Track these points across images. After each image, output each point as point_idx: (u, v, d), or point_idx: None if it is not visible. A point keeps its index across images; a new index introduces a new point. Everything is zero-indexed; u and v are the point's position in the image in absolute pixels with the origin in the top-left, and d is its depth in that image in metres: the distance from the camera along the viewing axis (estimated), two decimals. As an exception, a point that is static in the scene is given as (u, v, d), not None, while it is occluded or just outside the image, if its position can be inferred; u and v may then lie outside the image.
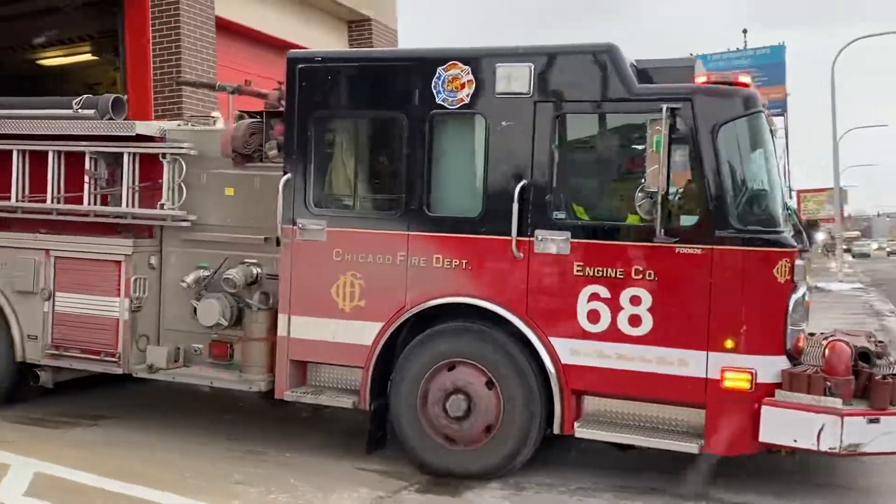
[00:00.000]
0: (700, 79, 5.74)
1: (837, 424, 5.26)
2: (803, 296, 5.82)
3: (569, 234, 5.78)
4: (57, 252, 7.29)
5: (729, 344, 5.47)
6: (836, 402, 5.32)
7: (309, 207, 6.48)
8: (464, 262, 6.05)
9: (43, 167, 7.43)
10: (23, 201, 7.48)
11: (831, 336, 6.08)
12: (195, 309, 7.01)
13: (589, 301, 5.75)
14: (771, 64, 34.15)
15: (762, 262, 5.48)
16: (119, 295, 7.06)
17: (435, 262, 6.13)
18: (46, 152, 7.32)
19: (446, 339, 6.19)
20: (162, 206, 6.97)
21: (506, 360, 5.97)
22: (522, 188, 5.82)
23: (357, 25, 15.84)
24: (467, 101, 6.03)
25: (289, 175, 6.48)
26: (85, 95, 7.39)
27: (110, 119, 7.25)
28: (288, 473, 6.19)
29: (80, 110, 7.28)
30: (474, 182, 6.15)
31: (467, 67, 6.03)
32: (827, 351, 5.63)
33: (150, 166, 7.20)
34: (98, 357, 7.15)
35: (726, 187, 5.50)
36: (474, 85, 6.01)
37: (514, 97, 5.91)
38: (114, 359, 7.08)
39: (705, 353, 5.52)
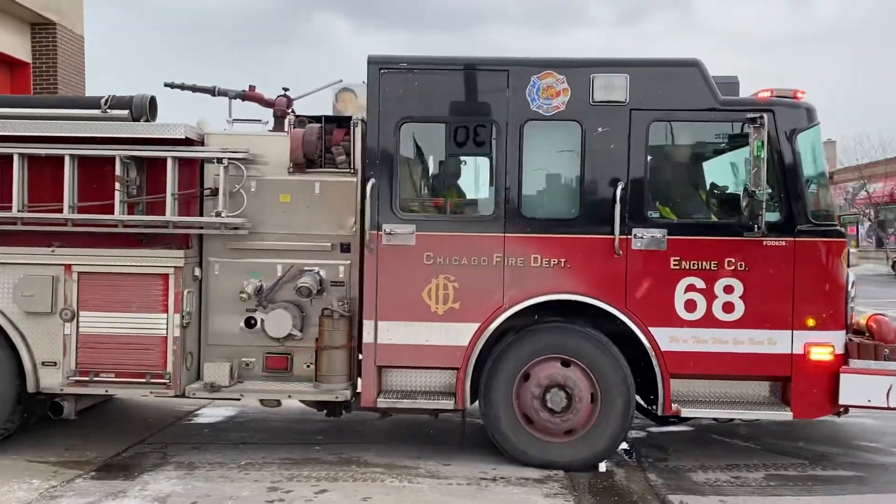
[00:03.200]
0: (763, 93, 6.62)
1: (902, 384, 6.38)
2: (852, 279, 6.91)
3: (665, 231, 6.42)
4: (82, 267, 6.66)
5: (811, 322, 6.41)
6: (898, 366, 6.45)
7: (396, 212, 6.55)
8: (562, 260, 6.48)
9: (51, 173, 6.74)
10: (26, 211, 6.71)
11: (863, 312, 7.24)
12: (249, 321, 6.80)
13: (686, 292, 6.44)
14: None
15: (833, 251, 6.50)
16: (166, 311, 6.62)
17: (533, 261, 6.50)
18: (61, 157, 6.63)
19: (545, 336, 6.57)
20: (219, 214, 6.62)
21: (603, 356, 6.48)
22: (621, 189, 6.36)
23: (41, 28, 15.51)
24: (563, 108, 6.48)
25: (372, 180, 6.49)
26: (110, 94, 6.79)
27: (147, 121, 6.74)
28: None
29: (109, 110, 6.69)
30: (570, 185, 6.61)
31: (562, 76, 6.47)
32: (871, 324, 6.77)
33: (187, 172, 6.81)
34: (142, 380, 6.65)
35: (803, 187, 6.44)
36: (570, 93, 6.46)
37: (610, 105, 6.44)
38: (163, 380, 6.64)
39: (790, 331, 6.42)
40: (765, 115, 6.25)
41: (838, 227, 6.65)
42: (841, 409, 6.64)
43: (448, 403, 6.57)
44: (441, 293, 6.55)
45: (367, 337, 6.59)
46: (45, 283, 6.65)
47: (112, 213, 6.70)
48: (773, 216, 6.43)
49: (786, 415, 6.43)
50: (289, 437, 7.62)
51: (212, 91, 7.74)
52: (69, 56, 15.65)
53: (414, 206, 6.73)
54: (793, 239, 6.41)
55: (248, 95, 7.68)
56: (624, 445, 7.22)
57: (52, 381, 6.69)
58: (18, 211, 6.68)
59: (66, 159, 6.64)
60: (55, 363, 6.68)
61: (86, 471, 6.50)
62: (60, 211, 6.68)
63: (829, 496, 6.10)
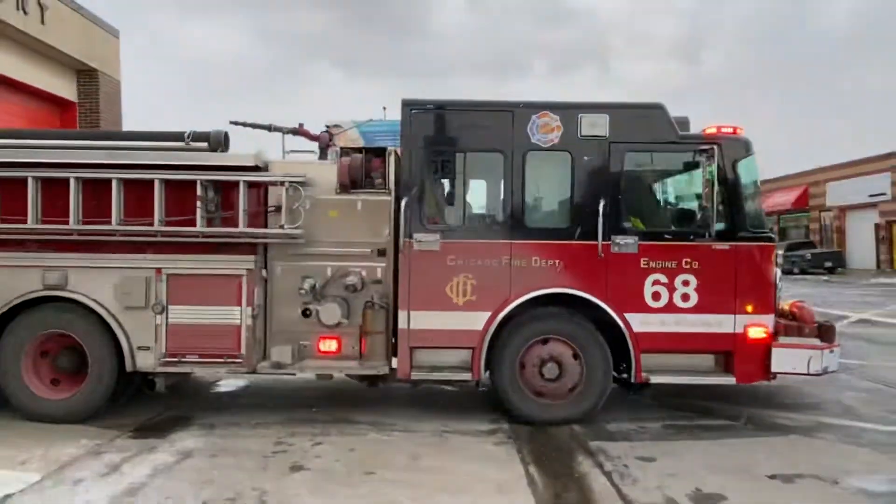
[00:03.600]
0: (710, 129, 8.43)
1: (818, 355, 8.27)
2: (779, 275, 8.77)
3: (637, 237, 8.22)
4: (170, 270, 8.26)
5: (749, 308, 8.25)
6: (816, 342, 8.32)
7: (424, 224, 8.25)
8: (557, 261, 8.24)
9: (140, 194, 8.31)
10: (122, 225, 8.27)
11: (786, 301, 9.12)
12: (305, 312, 8.45)
13: (653, 285, 8.24)
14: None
15: (766, 253, 8.36)
16: (240, 304, 8.25)
17: (533, 262, 8.25)
18: (152, 181, 8.20)
19: (542, 321, 8.33)
20: (282, 227, 8.26)
21: (588, 336, 8.25)
22: (603, 205, 8.12)
23: (85, 74, 18.52)
24: (557, 141, 8.24)
25: (406, 198, 8.19)
26: (191, 129, 8.38)
27: (222, 151, 8.36)
28: (12, 436, 7.81)
29: (191, 142, 8.29)
30: (563, 201, 8.36)
31: (556, 116, 8.22)
32: (795, 310, 8.64)
33: (254, 193, 8.42)
34: (221, 360, 8.27)
35: (743, 203, 8.27)
36: (562, 129, 8.22)
37: (594, 139, 8.22)
38: (238, 360, 8.26)
39: (734, 315, 8.25)
40: (714, 147, 8.07)
41: (769, 234, 8.50)
42: (772, 377, 8.49)
43: (466, 375, 8.31)
44: (461, 288, 8.26)
45: (402, 323, 8.28)
46: (139, 283, 8.24)
47: (193, 225, 8.29)
48: (719, 226, 8.22)
49: (730, 380, 8.26)
50: (290, 402, 9.34)
51: (268, 128, 9.39)
52: (109, 97, 18.65)
53: (438, 219, 8.44)
54: (735, 243, 8.24)
55: (298, 131, 9.36)
56: None
57: (146, 361, 8.29)
58: (117, 224, 8.25)
59: (156, 183, 8.22)
60: (149, 347, 8.27)
61: (124, 432, 7.98)
62: (151, 224, 8.27)
63: (711, 440, 7.70)
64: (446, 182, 8.54)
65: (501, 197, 8.33)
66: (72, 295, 8.26)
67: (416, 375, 8.32)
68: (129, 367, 8.29)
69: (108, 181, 8.23)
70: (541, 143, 8.25)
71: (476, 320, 8.28)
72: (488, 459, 7.12)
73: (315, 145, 9.32)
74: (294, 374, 8.59)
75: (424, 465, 7.01)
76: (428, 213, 8.33)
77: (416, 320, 8.29)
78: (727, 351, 8.32)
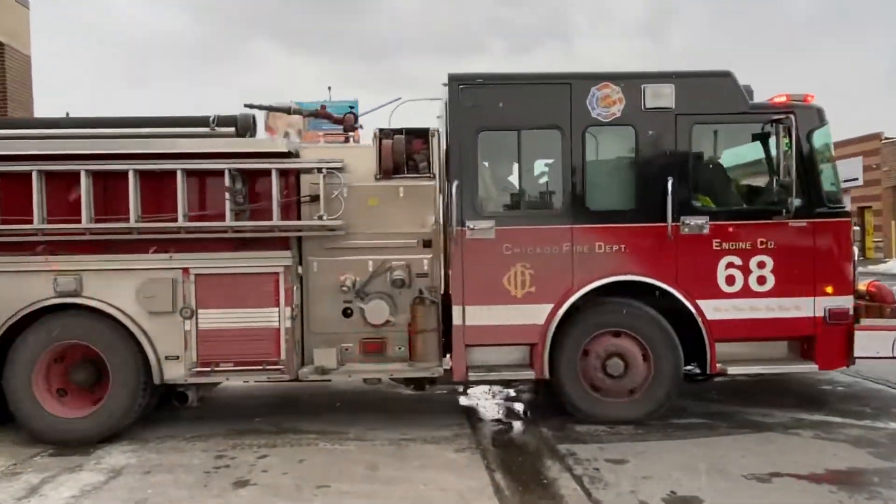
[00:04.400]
0: (779, 98, 7.85)
1: (905, 337, 7.77)
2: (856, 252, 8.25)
3: (707, 217, 7.62)
4: (199, 270, 7.50)
5: (829, 289, 7.71)
6: (898, 323, 7.83)
7: (477, 210, 7.58)
8: (622, 246, 7.62)
9: (159, 186, 7.55)
10: (140, 222, 7.49)
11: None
12: (346, 311, 7.77)
13: (726, 268, 7.66)
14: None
15: (844, 229, 7.83)
16: (277, 305, 7.52)
17: (597, 248, 7.63)
18: (174, 171, 7.42)
19: (606, 313, 7.73)
20: (321, 218, 7.53)
21: (657, 329, 7.68)
22: (671, 183, 7.50)
23: None
24: (619, 114, 7.60)
25: (456, 183, 7.50)
26: (215, 113, 7.60)
27: (251, 136, 7.59)
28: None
29: (216, 128, 7.51)
30: (626, 180, 7.73)
31: (618, 87, 7.58)
32: (872, 289, 8.14)
33: (284, 182, 7.68)
34: (259, 367, 7.55)
35: (819, 176, 7.71)
36: (625, 101, 7.57)
37: (659, 111, 7.59)
38: (277, 366, 7.55)
39: (813, 298, 7.70)
40: (790, 117, 7.49)
41: (846, 209, 7.96)
42: (852, 362, 7.98)
43: (528, 374, 7.69)
44: (519, 279, 7.62)
45: (456, 320, 7.62)
46: (165, 286, 7.48)
47: (217, 220, 7.54)
48: (796, 202, 7.65)
49: (811, 367, 7.74)
50: (233, 411, 8.69)
51: (287, 110, 8.61)
52: (17, 73, 17.22)
53: (492, 204, 7.78)
54: (812, 220, 7.69)
55: (320, 114, 8.59)
56: (520, 406, 8.67)
57: (175, 372, 7.55)
58: (136, 222, 7.46)
59: (179, 174, 7.44)
60: (177, 357, 7.52)
61: (44, 449, 7.34)
62: (173, 220, 7.50)
63: (684, 440, 7.28)
64: (499, 163, 7.87)
65: (560, 178, 7.68)
66: (88, 302, 7.48)
67: (473, 376, 7.68)
68: (156, 380, 7.54)
69: (125, 173, 7.44)
70: (601, 117, 7.60)
71: (537, 314, 7.65)
72: (451, 467, 6.67)
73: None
74: (329, 380, 7.91)
75: (382, 475, 6.53)
76: (481, 198, 7.65)
77: (472, 316, 7.64)
78: (806, 336, 7.79)
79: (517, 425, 8.01)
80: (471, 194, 7.59)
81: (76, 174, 7.42)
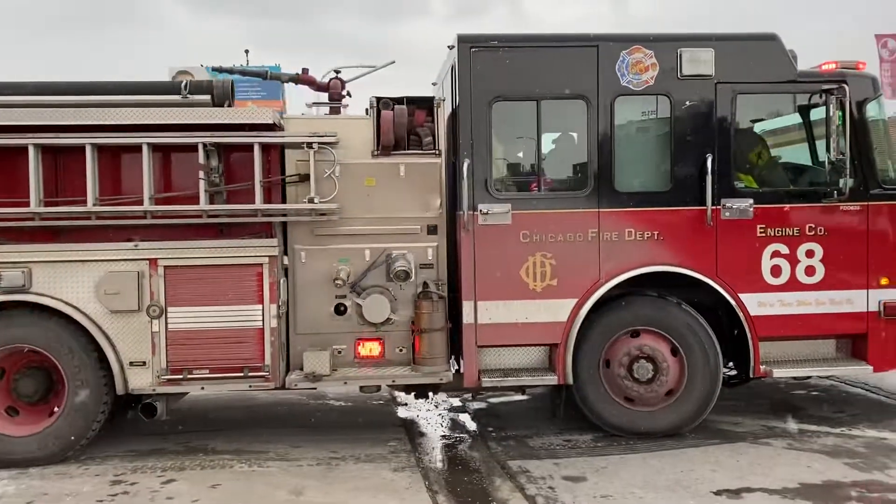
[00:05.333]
0: (828, 65, 7.03)
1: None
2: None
3: (751, 200, 6.79)
4: (169, 261, 6.49)
5: (884, 281, 6.94)
6: (958, 318, 7.06)
7: (491, 192, 6.68)
8: (656, 233, 6.76)
9: (123, 163, 6.59)
10: (100, 205, 6.48)
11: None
12: (339, 308, 6.84)
13: (771, 258, 6.85)
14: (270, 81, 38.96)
15: (901, 213, 7.01)
16: (261, 302, 6.55)
17: (627, 235, 6.76)
18: (139, 146, 6.41)
19: (634, 308, 6.90)
20: (311, 200, 6.57)
21: (691, 327, 6.86)
22: (711, 161, 6.66)
23: None
24: (652, 82, 6.73)
25: (468, 161, 6.59)
26: (188, 79, 6.59)
27: (229, 106, 6.60)
28: None
29: (189, 95, 6.51)
30: (661, 158, 6.86)
31: (651, 51, 6.71)
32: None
33: (267, 159, 6.71)
34: (239, 374, 6.58)
35: (874, 154, 6.90)
36: (658, 68, 6.70)
37: (698, 79, 6.73)
38: (261, 373, 6.58)
39: (866, 291, 6.92)
40: (843, 87, 6.67)
41: (904, 191, 7.18)
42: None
43: (550, 378, 6.81)
44: (539, 270, 6.74)
45: (467, 318, 6.73)
46: (129, 280, 6.47)
47: (191, 203, 6.57)
48: (849, 182, 6.87)
49: (866, 368, 6.96)
50: (133, 428, 7.39)
51: (263, 75, 7.62)
52: None
53: (508, 184, 6.89)
54: (866, 203, 6.89)
55: (302, 79, 7.61)
56: (466, 417, 7.91)
57: (142, 381, 6.55)
58: (94, 205, 6.44)
59: (145, 148, 6.43)
60: (144, 362, 6.53)
61: None
62: (138, 203, 6.50)
63: (648, 452, 6.65)
64: (517, 138, 6.96)
65: (585, 155, 6.78)
66: (39, 299, 6.44)
67: (487, 382, 6.76)
68: (119, 389, 6.53)
69: (80, 148, 6.41)
70: (632, 85, 6.72)
71: (559, 310, 6.76)
72: (388, 490, 5.97)
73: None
74: (312, 388, 6.96)
75: (309, 501, 5.82)
76: (495, 179, 6.74)
77: (485, 313, 6.74)
78: (857, 334, 7.01)
79: (463, 439, 7.24)
80: (483, 174, 6.67)
81: (22, 149, 6.38)
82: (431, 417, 8.04)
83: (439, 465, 6.53)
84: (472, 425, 7.71)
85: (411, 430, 7.55)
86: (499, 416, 8.02)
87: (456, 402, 8.52)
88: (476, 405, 8.40)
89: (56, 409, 6.56)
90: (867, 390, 8.66)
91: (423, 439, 7.27)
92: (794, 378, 7.62)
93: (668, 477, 6.08)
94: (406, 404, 8.51)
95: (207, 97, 6.62)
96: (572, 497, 5.71)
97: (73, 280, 6.47)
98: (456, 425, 7.74)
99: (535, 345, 6.90)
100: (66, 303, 6.46)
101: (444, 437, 7.36)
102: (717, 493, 5.75)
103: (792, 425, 7.34)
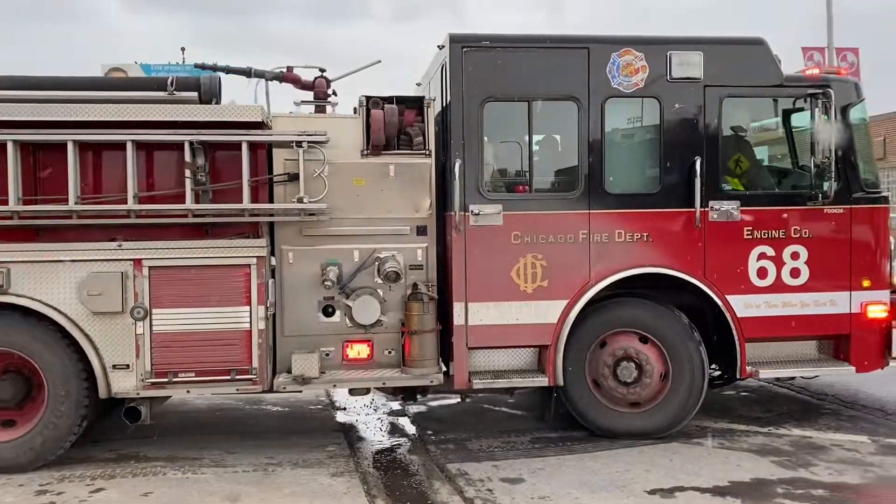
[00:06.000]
0: (811, 71, 7.18)
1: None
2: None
3: (738, 202, 6.90)
4: (153, 261, 6.36)
5: (866, 283, 7.10)
6: (938, 319, 7.25)
7: (483, 193, 6.69)
8: (645, 234, 6.83)
9: (106, 161, 6.48)
10: (82, 203, 6.33)
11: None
12: (327, 309, 6.79)
13: (758, 260, 6.96)
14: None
15: (882, 216, 7.21)
16: (249, 303, 6.46)
17: (617, 237, 6.82)
18: (122, 143, 6.28)
19: (620, 309, 6.98)
20: (300, 200, 6.49)
21: (677, 330, 6.94)
22: (700, 164, 6.75)
23: None
24: (642, 85, 6.80)
25: (459, 161, 6.58)
26: (174, 75, 6.47)
27: (217, 103, 6.49)
28: None
29: (175, 92, 6.39)
30: (650, 160, 6.94)
31: (641, 54, 6.78)
32: (905, 282, 7.54)
33: (254, 157, 6.62)
34: (226, 377, 6.47)
35: (856, 158, 7.06)
36: (648, 70, 6.77)
37: (687, 81, 6.82)
38: (248, 375, 6.48)
39: (849, 292, 7.07)
40: (828, 91, 6.81)
41: (885, 194, 7.34)
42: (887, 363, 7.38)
43: (541, 380, 6.83)
44: (530, 272, 6.76)
45: (458, 319, 6.72)
46: (112, 281, 6.32)
47: (176, 202, 6.46)
48: (833, 185, 6.99)
49: (848, 369, 7.10)
50: None
51: (247, 73, 7.50)
52: None
53: (500, 185, 6.90)
54: (849, 206, 7.04)
55: (286, 77, 7.51)
56: (406, 421, 7.95)
57: (125, 385, 6.40)
58: (76, 203, 6.29)
59: (129, 146, 6.30)
60: (128, 366, 6.38)
61: None
62: (121, 202, 6.36)
63: (585, 453, 6.76)
64: (509, 139, 6.97)
65: (576, 156, 6.81)
66: (18, 300, 6.27)
67: (478, 384, 6.75)
68: (102, 393, 6.38)
69: (62, 145, 6.26)
70: (623, 87, 6.78)
71: (549, 311, 6.80)
72: (325, 495, 5.92)
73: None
74: (300, 392, 6.87)
75: None
76: (486, 180, 6.74)
77: (475, 314, 6.74)
78: (840, 335, 7.15)
79: (402, 443, 7.27)
80: (475, 175, 6.67)
81: (1, 145, 6.21)
82: (370, 422, 8.01)
83: (378, 469, 6.50)
84: (411, 429, 7.70)
85: (350, 435, 7.51)
86: (438, 419, 8.05)
87: (395, 405, 8.54)
88: (415, 409, 8.42)
89: (36, 414, 6.38)
90: (793, 391, 8.86)
91: (361, 444, 7.24)
92: (779, 379, 7.71)
93: (603, 477, 6.18)
94: (344, 409, 8.51)
95: (194, 94, 6.51)
96: (510, 498, 5.76)
97: (53, 281, 6.31)
98: (395, 429, 7.74)
99: (525, 346, 6.93)
100: (47, 304, 6.29)
101: (383, 441, 7.36)
102: (651, 492, 5.85)
103: (723, 424, 7.50)
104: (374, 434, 7.58)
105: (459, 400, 8.07)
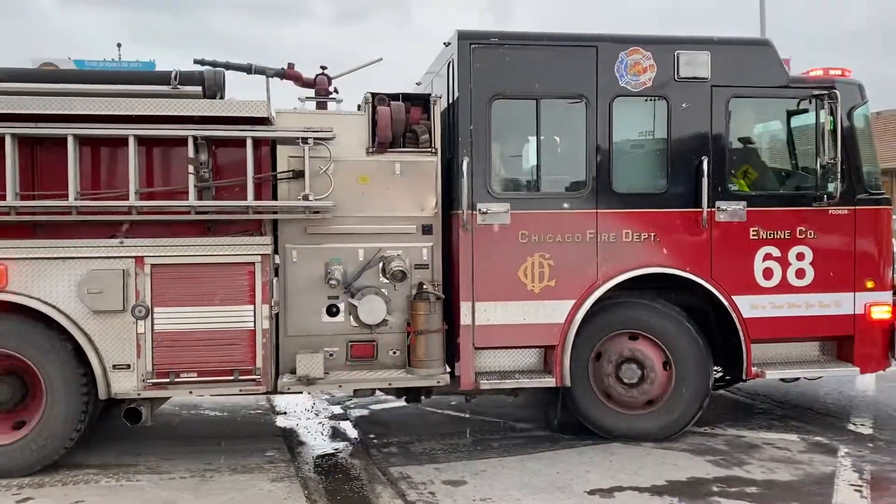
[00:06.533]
0: (815, 72, 7.22)
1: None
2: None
3: (745, 203, 6.92)
4: (155, 259, 6.24)
5: (870, 284, 7.14)
6: (939, 320, 7.31)
7: (491, 191, 6.65)
8: (652, 234, 6.82)
9: (107, 157, 6.36)
10: (82, 199, 6.20)
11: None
12: (331, 309, 6.69)
13: (764, 260, 6.98)
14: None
15: (885, 217, 7.26)
16: (253, 302, 6.36)
17: (624, 236, 6.81)
18: (125, 138, 6.16)
19: (622, 310, 6.98)
20: (306, 197, 6.41)
21: (680, 331, 6.94)
22: (707, 164, 6.76)
23: None
24: (649, 84, 6.80)
25: (467, 159, 6.53)
26: (176, 69, 6.36)
27: (221, 98, 6.40)
28: None
29: (179, 86, 6.28)
30: (658, 160, 6.94)
31: (649, 53, 6.79)
32: (903, 283, 7.61)
33: (258, 154, 6.54)
34: (230, 377, 6.36)
35: (861, 159, 7.11)
36: (656, 69, 6.78)
37: (694, 81, 6.83)
38: (252, 376, 6.38)
39: (853, 293, 7.12)
40: (834, 92, 6.85)
41: (887, 196, 7.40)
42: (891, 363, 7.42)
43: (548, 381, 6.78)
44: (537, 271, 6.72)
45: (465, 319, 6.67)
46: (114, 278, 6.19)
47: (178, 198, 6.35)
48: (838, 186, 7.02)
49: (853, 370, 7.14)
50: None
51: (248, 69, 7.40)
52: None
53: (507, 184, 6.86)
54: (853, 208, 7.08)
55: (287, 74, 7.43)
56: (348, 425, 7.95)
57: (125, 385, 6.28)
58: (76, 199, 6.15)
59: (131, 141, 6.18)
60: (128, 366, 6.26)
61: None
62: (123, 198, 6.24)
63: (525, 454, 6.83)
64: (517, 137, 6.94)
65: (584, 154, 6.80)
66: (15, 298, 6.12)
67: (485, 385, 6.70)
68: (101, 394, 6.25)
69: (62, 140, 6.13)
70: (630, 86, 6.78)
71: (556, 311, 6.77)
72: (265, 500, 5.85)
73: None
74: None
75: None
76: (494, 178, 6.70)
77: (482, 314, 6.69)
78: (843, 336, 7.19)
79: (343, 447, 7.23)
80: (482, 173, 6.63)
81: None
82: (311, 426, 7.95)
83: (319, 474, 6.44)
84: (353, 433, 7.67)
85: (290, 440, 7.45)
86: (380, 423, 8.04)
87: (337, 409, 8.53)
88: (357, 412, 8.42)
89: (34, 416, 6.24)
90: (728, 391, 8.91)
91: (302, 448, 7.18)
92: (783, 380, 7.73)
93: (544, 478, 6.21)
94: (285, 413, 8.45)
95: (198, 88, 6.41)
96: (452, 501, 5.76)
97: (52, 278, 6.17)
98: (337, 433, 7.69)
99: (531, 346, 6.89)
100: (45, 302, 6.16)
101: (324, 445, 7.30)
102: (591, 492, 5.91)
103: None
104: (316, 438, 7.52)
105: (402, 403, 7.84)
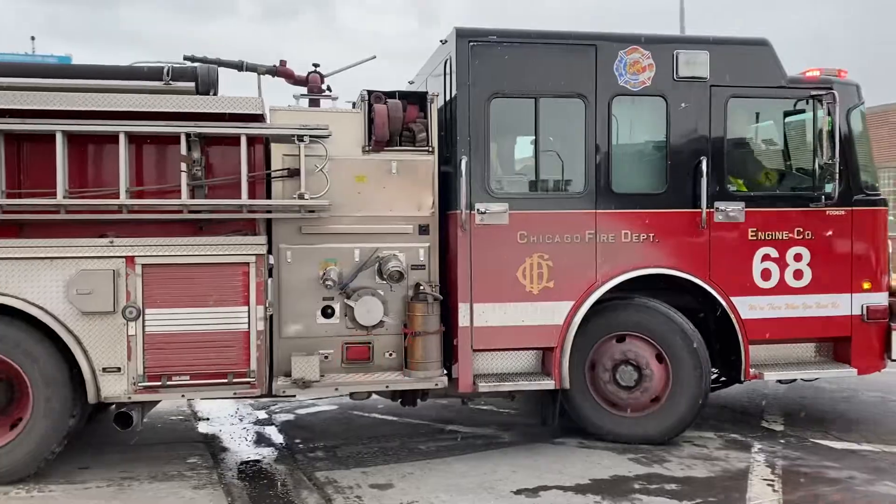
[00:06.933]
0: (812, 73, 7.22)
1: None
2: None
3: (743, 203, 6.89)
4: (147, 259, 6.08)
5: (866, 285, 7.15)
6: (935, 321, 7.33)
7: (489, 191, 6.57)
8: (651, 235, 6.78)
9: (97, 154, 6.21)
10: (71, 197, 6.04)
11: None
12: (327, 310, 6.59)
13: (762, 261, 6.96)
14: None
15: (881, 218, 7.28)
16: (247, 303, 6.22)
17: (623, 237, 6.76)
18: (115, 135, 6.00)
19: (620, 312, 6.92)
20: (301, 196, 6.29)
21: (677, 332, 6.89)
22: (705, 164, 6.73)
23: None
24: (648, 83, 6.76)
25: (466, 158, 6.46)
26: (169, 64, 6.22)
27: (214, 94, 6.26)
28: None
29: (171, 82, 6.15)
30: (657, 160, 6.90)
31: (648, 52, 6.75)
32: (901, 284, 7.63)
33: (251, 152, 6.38)
34: (223, 380, 6.22)
35: (858, 160, 7.12)
36: (655, 69, 6.74)
37: (693, 81, 6.80)
38: (246, 379, 6.25)
39: (850, 294, 7.12)
40: (832, 93, 6.85)
41: (884, 197, 7.42)
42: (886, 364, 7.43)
43: (547, 383, 6.71)
44: (536, 272, 6.66)
45: (463, 321, 6.59)
46: (104, 279, 6.04)
47: (170, 197, 6.22)
48: (836, 187, 7.02)
49: (850, 371, 7.14)
50: None
51: (239, 66, 7.29)
52: None
53: (506, 183, 6.78)
54: (850, 208, 7.09)
55: (279, 71, 7.33)
56: (273, 430, 7.89)
57: (116, 389, 6.12)
58: (64, 197, 5.99)
59: (121, 137, 6.03)
60: (119, 368, 6.10)
61: None
62: (113, 196, 6.09)
63: (452, 456, 6.84)
64: (515, 137, 6.86)
65: (583, 154, 6.75)
66: (2, 299, 5.95)
67: (484, 387, 6.62)
68: (91, 398, 6.08)
69: (50, 136, 5.96)
70: (629, 85, 6.74)
71: (555, 312, 6.71)
72: None
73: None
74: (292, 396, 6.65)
75: None
76: (493, 178, 6.62)
77: (481, 315, 6.61)
78: (840, 337, 7.19)
79: (268, 453, 7.11)
80: (481, 172, 6.56)
81: None
82: (235, 432, 7.82)
83: (243, 480, 6.32)
84: (278, 438, 7.59)
85: (213, 446, 7.31)
86: (306, 427, 7.97)
87: (262, 414, 8.45)
88: (283, 417, 8.34)
89: (20, 420, 6.06)
90: None
91: (225, 454, 7.05)
92: (781, 381, 7.73)
93: (471, 480, 6.22)
94: (208, 419, 8.31)
95: (191, 85, 6.28)
96: None
97: (39, 279, 6.00)
98: (262, 439, 7.58)
99: (530, 348, 6.82)
100: (32, 303, 5.98)
101: (248, 451, 7.17)
102: (518, 492, 5.95)
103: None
104: (240, 444, 7.38)
105: (328, 407, 7.95)
